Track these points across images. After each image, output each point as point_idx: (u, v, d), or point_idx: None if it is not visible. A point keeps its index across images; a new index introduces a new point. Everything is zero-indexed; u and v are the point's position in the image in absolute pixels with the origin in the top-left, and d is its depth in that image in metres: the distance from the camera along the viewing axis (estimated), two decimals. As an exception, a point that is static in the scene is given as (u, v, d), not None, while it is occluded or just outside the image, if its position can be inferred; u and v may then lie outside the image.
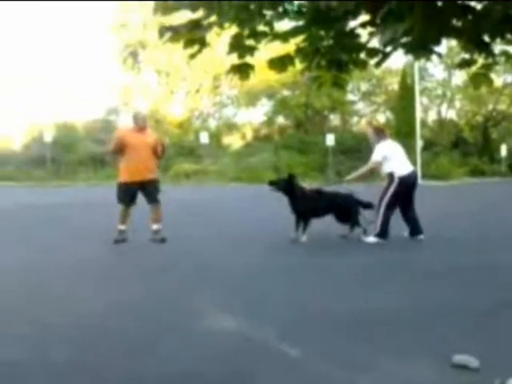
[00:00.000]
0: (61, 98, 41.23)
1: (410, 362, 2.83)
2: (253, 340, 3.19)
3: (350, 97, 33.54)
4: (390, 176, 6.86)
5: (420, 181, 7.25)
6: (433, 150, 27.91)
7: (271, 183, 7.09)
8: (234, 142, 32.69)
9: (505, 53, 2.95)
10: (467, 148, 30.57)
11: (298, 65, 3.04)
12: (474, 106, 32.91)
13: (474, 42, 2.79)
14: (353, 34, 2.74)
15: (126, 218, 6.83)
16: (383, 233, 6.80)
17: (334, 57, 2.86)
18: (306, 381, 2.63)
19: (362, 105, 34.90)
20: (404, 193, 6.90)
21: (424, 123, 30.34)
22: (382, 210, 6.80)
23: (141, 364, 2.84)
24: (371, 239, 6.79)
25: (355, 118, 35.09)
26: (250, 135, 33.37)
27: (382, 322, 3.52)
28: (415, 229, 7.01)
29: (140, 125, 6.87)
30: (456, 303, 3.95)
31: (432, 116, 34.34)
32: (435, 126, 33.46)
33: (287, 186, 6.94)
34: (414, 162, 7.83)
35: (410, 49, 2.63)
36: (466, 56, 3.02)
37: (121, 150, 6.78)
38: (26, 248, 6.64)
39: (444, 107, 33.73)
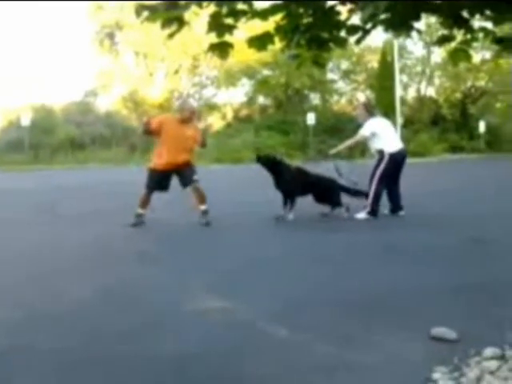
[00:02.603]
0: (38, 81, 40.51)
1: (391, 337, 2.88)
2: (243, 321, 3.21)
3: (330, 75, 33.47)
4: (380, 153, 6.92)
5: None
6: (412, 128, 28.08)
7: (259, 159, 7.11)
8: (214, 122, 32.46)
9: (484, 29, 2.94)
10: (446, 125, 30.81)
11: (278, 43, 3.01)
12: (453, 83, 33.06)
13: (452, 18, 2.78)
14: (333, 11, 2.71)
15: (146, 203, 6.67)
16: (374, 210, 6.88)
17: (314, 35, 2.83)
18: (292, 356, 2.66)
19: (342, 83, 34.84)
20: (393, 169, 6.97)
21: (404, 101, 30.43)
22: (373, 187, 6.87)
23: (134, 347, 2.84)
24: (362, 215, 6.87)
25: (335, 97, 35.04)
26: (230, 116, 33.15)
27: (363, 301, 3.57)
28: (396, 205, 7.09)
29: (185, 116, 6.58)
30: (436, 280, 4.02)
31: (411, 93, 34.49)
32: (415, 103, 33.59)
33: (272, 165, 6.95)
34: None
35: (390, 25, 2.62)
36: (445, 32, 3.01)
37: (152, 133, 6.54)
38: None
39: (423, 84, 33.86)
